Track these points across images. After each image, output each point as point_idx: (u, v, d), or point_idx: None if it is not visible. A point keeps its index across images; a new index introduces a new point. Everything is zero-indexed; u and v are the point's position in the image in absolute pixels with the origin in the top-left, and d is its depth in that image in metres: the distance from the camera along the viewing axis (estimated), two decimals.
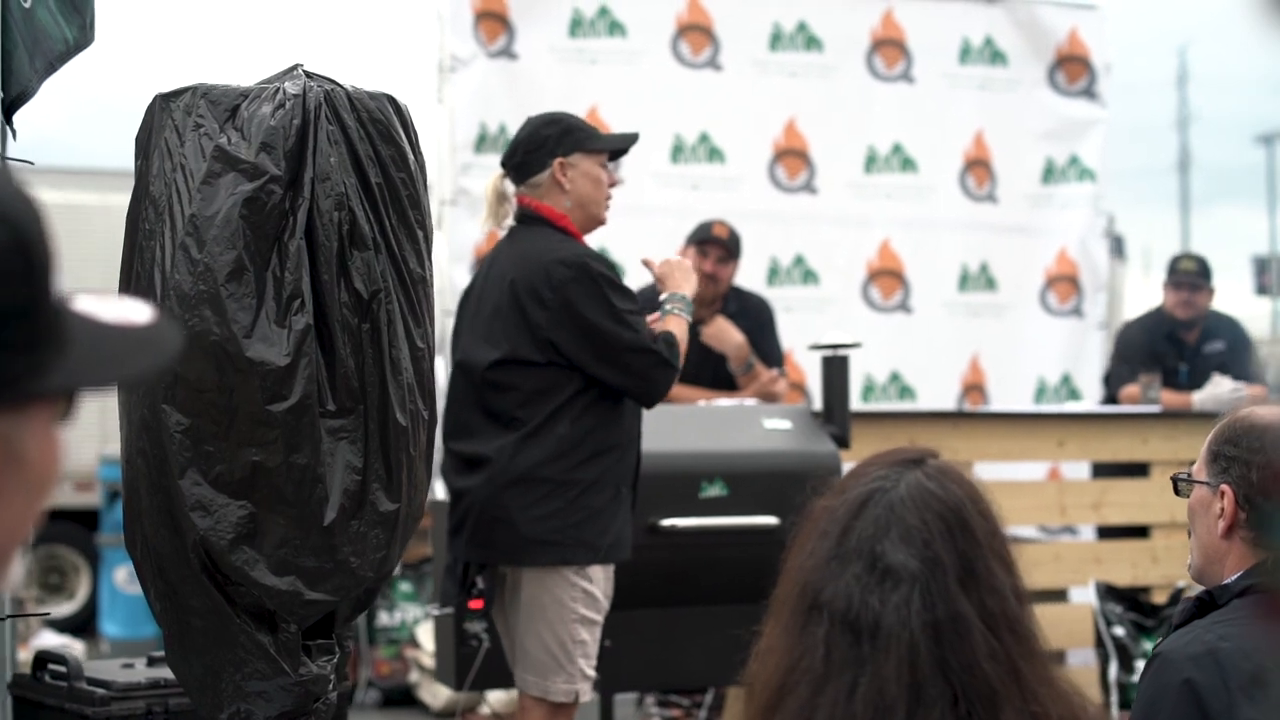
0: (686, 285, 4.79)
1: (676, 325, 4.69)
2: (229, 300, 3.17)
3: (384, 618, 8.43)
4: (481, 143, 8.08)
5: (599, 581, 4.57)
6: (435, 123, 8.22)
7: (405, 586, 8.58)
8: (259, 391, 3.18)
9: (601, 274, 4.54)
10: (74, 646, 9.27)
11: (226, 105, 3.27)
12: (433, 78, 8.21)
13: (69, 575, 12.08)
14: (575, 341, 4.49)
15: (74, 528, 11.82)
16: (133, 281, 3.30)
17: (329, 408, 3.24)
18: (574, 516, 4.48)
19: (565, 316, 4.49)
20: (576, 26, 8.37)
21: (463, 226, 7.89)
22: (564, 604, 4.50)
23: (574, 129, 4.72)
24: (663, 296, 4.80)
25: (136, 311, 1.34)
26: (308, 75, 3.37)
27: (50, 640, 9.35)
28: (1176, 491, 3.03)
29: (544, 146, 4.68)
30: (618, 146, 4.84)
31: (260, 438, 3.20)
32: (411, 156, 3.40)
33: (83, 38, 3.88)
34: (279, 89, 3.30)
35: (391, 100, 3.40)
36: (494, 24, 8.18)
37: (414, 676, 8.34)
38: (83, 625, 11.55)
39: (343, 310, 3.26)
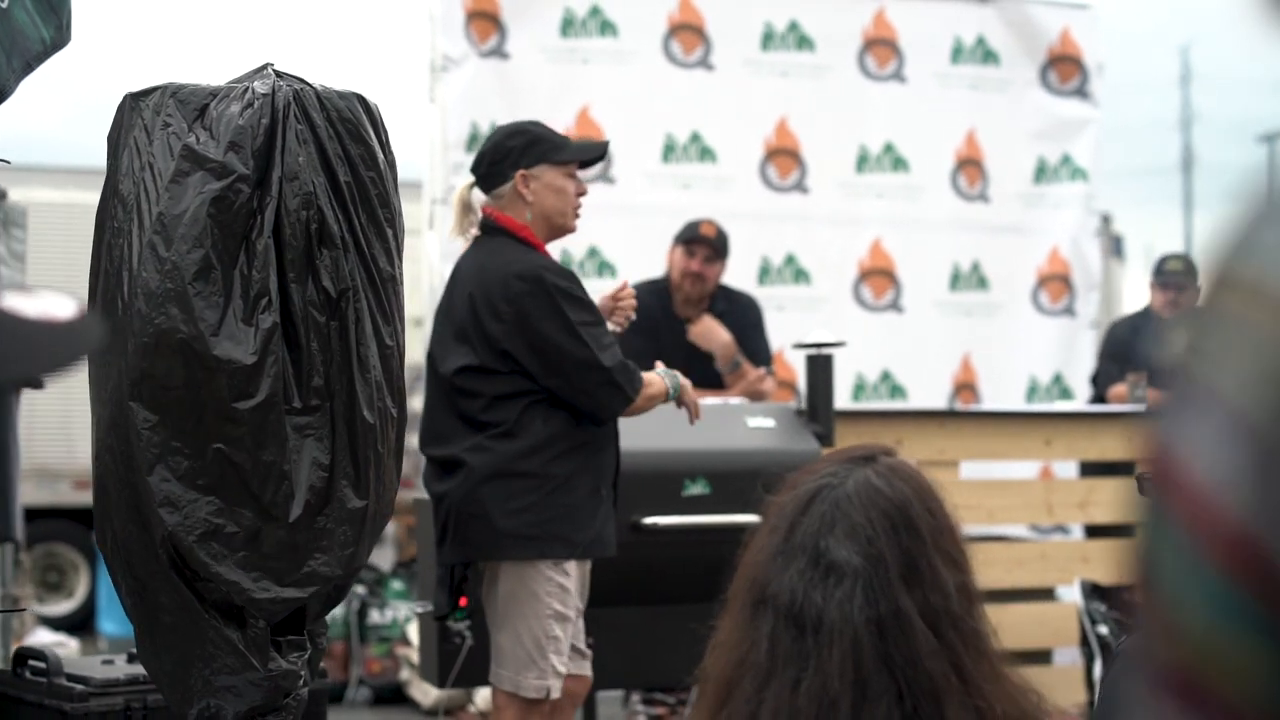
0: (688, 386, 4.86)
1: (652, 379, 4.75)
2: (196, 299, 3.20)
3: (375, 616, 8.45)
4: (473, 142, 8.09)
5: (575, 578, 4.60)
6: (427, 122, 8.24)
7: (397, 585, 8.60)
8: (226, 389, 3.21)
9: (557, 286, 4.57)
10: (69, 644, 9.30)
11: (195, 104, 3.29)
12: (425, 77, 8.23)
13: (67, 573, 12.12)
14: (527, 354, 4.55)
15: (72, 526, 11.86)
16: (101, 279, 3.32)
17: (295, 405, 3.27)
18: (550, 511, 4.52)
19: (519, 329, 4.54)
20: (568, 26, 8.39)
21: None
22: (539, 599, 4.53)
23: (539, 140, 4.72)
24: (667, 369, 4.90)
25: (59, 306, 1.37)
26: (277, 74, 3.40)
27: (46, 638, 9.37)
28: (1140, 490, 3.04)
29: (507, 159, 4.69)
30: (584, 157, 4.83)
31: (227, 434, 3.23)
32: (381, 155, 3.42)
33: (59, 38, 3.90)
34: (248, 88, 3.32)
35: (361, 99, 3.42)
36: (485, 24, 8.20)
37: (405, 674, 8.36)
38: (81, 623, 11.58)
39: (310, 308, 3.28)
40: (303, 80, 3.40)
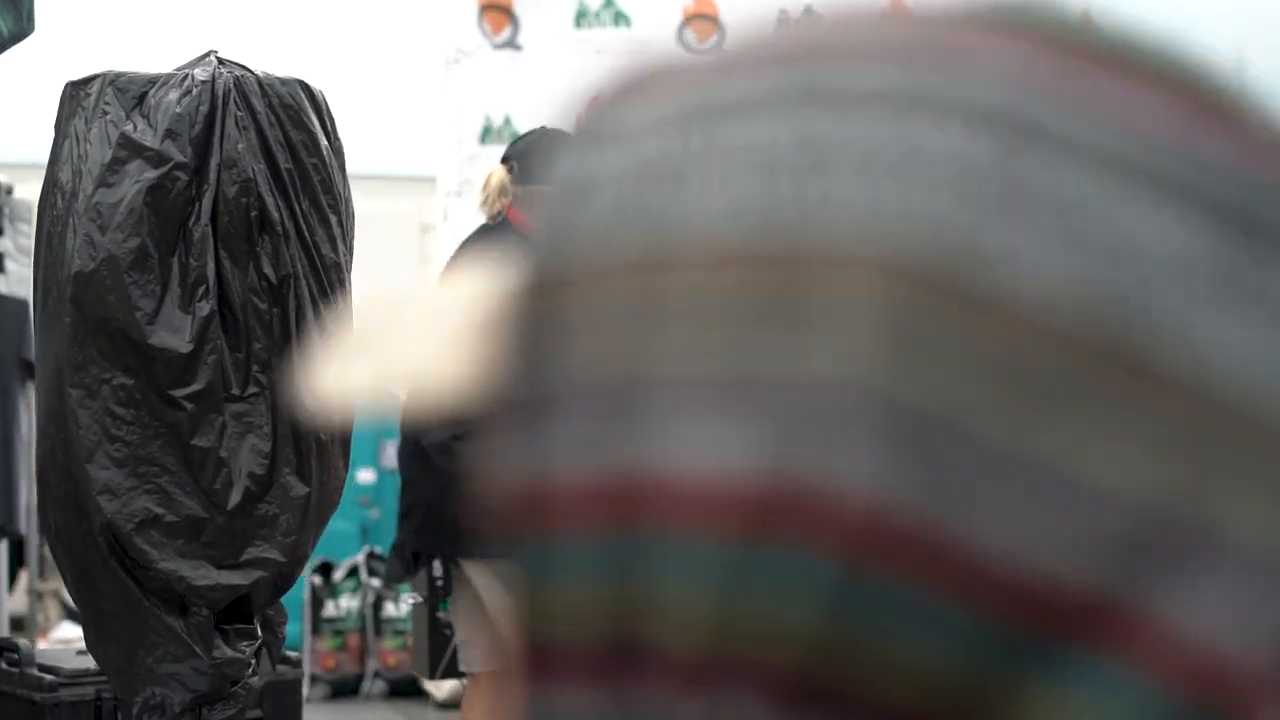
0: None
1: None
2: (132, 287, 3.20)
3: (390, 609, 8.45)
4: (486, 134, 8.09)
5: None
6: (440, 114, 8.24)
7: None
8: (163, 377, 3.21)
9: None
10: None
11: (134, 93, 3.29)
12: (438, 69, 8.23)
13: None
14: None
15: None
16: (42, 269, 3.33)
17: (235, 392, 3.27)
18: None
19: None
20: (581, 17, 8.36)
21: (468, 218, 7.90)
22: (495, 582, 4.56)
23: None
24: None
25: None
26: (219, 61, 3.39)
27: (70, 632, 9.42)
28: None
29: None
30: None
31: (166, 422, 3.23)
32: (324, 142, 3.41)
33: (19, 29, 3.91)
34: (188, 75, 3.32)
35: (304, 85, 3.41)
36: (498, 15, 8.19)
37: None
38: None
39: (250, 295, 3.28)
40: (244, 67, 3.39)
